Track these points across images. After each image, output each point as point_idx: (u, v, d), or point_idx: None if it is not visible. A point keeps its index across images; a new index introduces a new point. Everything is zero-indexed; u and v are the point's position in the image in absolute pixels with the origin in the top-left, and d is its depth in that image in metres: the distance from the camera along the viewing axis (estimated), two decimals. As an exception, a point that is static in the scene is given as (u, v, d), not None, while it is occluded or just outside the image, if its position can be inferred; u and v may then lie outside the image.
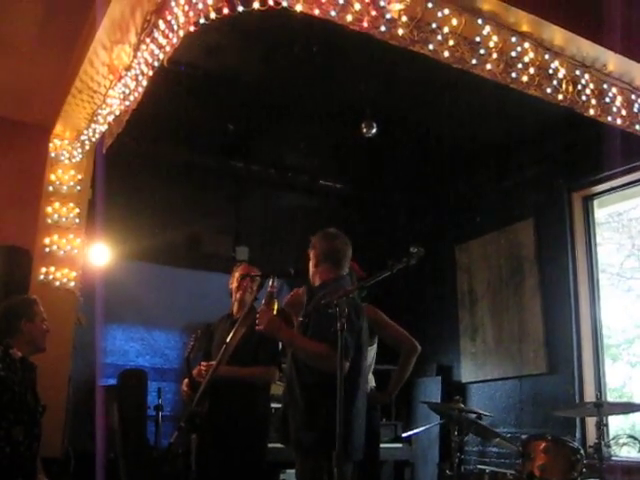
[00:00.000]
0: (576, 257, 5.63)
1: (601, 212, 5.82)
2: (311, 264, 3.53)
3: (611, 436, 5.06)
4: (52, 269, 4.74)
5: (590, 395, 5.16)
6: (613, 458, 4.89)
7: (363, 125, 5.41)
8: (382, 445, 5.43)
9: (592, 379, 5.37)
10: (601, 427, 4.00)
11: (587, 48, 3.77)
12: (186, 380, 4.18)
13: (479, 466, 5.03)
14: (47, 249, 4.76)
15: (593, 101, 3.99)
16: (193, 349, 4.24)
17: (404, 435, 5.72)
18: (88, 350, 5.27)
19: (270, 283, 3.41)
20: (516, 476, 3.88)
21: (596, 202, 5.77)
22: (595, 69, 3.92)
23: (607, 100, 4.02)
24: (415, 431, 5.62)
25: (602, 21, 3.70)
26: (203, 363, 4.17)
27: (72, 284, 4.80)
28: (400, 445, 5.84)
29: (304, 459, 3.20)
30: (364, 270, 3.77)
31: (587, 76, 3.91)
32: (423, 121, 5.72)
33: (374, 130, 5.41)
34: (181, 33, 3.29)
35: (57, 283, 4.74)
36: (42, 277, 4.70)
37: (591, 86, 3.94)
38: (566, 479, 3.68)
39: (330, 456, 3.07)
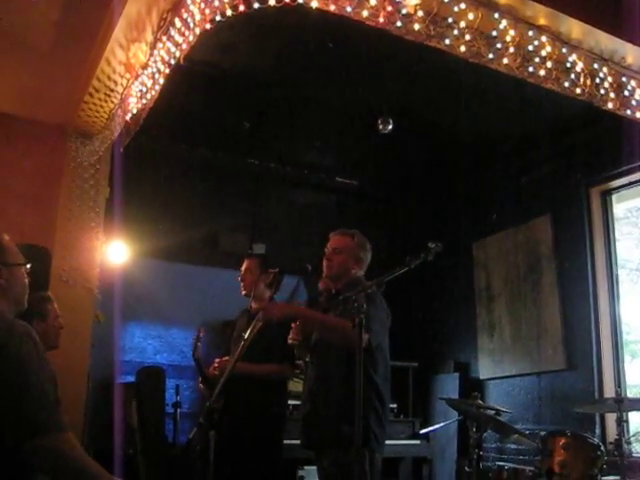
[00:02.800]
0: (595, 253, 5.58)
1: (620, 207, 5.76)
2: (340, 261, 3.52)
3: (631, 432, 5.02)
4: (71, 267, 4.77)
5: (609, 391, 5.12)
6: (634, 455, 4.84)
7: (379, 122, 5.40)
8: (400, 442, 5.46)
9: (612, 375, 5.32)
10: (621, 423, 3.96)
11: (605, 41, 3.73)
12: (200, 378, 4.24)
13: (498, 463, 4.99)
14: (66, 247, 4.79)
15: (612, 94, 3.94)
16: (197, 348, 4.28)
17: (422, 432, 5.70)
18: (106, 348, 5.30)
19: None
20: (535, 473, 3.86)
21: (614, 197, 5.72)
22: (613, 62, 3.88)
23: (626, 93, 3.98)
24: (433, 428, 5.60)
25: (620, 13, 3.66)
26: (216, 359, 4.21)
27: (91, 282, 4.83)
28: (418, 442, 5.83)
29: (344, 453, 3.10)
30: (381, 267, 3.77)
31: (605, 69, 3.87)
32: (439, 117, 5.70)
33: (390, 126, 5.39)
34: (197, 31, 3.30)
35: (76, 281, 4.77)
36: (61, 275, 4.73)
37: (609, 79, 3.89)
38: (586, 476, 3.65)
39: (370, 448, 3.13)
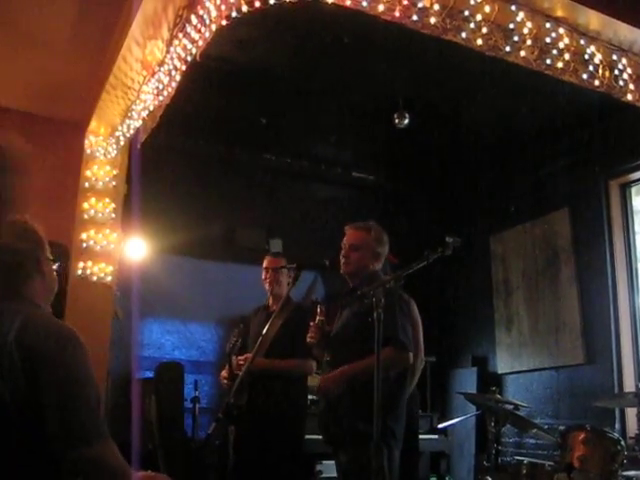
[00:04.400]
0: (613, 246, 5.53)
1: (639, 200, 5.70)
2: (357, 258, 3.51)
3: (652, 427, 4.98)
4: (89, 264, 4.80)
5: (630, 385, 5.08)
6: (654, 449, 4.81)
7: (395, 116, 5.38)
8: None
9: (632, 369, 5.28)
10: (642, 418, 3.93)
11: (624, 31, 3.68)
12: (225, 370, 4.23)
13: (516, 457, 4.98)
14: (84, 244, 4.82)
15: (631, 86, 3.89)
16: (235, 345, 4.25)
17: (440, 426, 5.70)
18: (125, 344, 5.34)
19: (318, 311, 3.44)
20: (554, 467, 3.83)
21: (634, 189, 5.66)
22: (633, 53, 3.83)
23: (646, 85, 3.94)
24: (451, 422, 5.59)
25: (639, 2, 3.62)
26: (240, 357, 4.21)
27: (109, 278, 4.86)
28: (436, 436, 5.82)
29: (361, 450, 3.04)
30: (399, 260, 3.77)
31: (624, 60, 3.82)
32: (456, 111, 5.67)
33: (407, 121, 5.38)
34: (213, 27, 3.30)
35: (94, 278, 4.80)
36: (80, 272, 4.76)
37: (629, 71, 3.84)
38: (606, 471, 3.62)
39: (388, 444, 3.12)
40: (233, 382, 4.03)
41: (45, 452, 1.82)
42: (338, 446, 3.37)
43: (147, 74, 4.08)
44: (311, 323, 3.43)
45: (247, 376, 3.52)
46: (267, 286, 4.43)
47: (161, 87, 3.92)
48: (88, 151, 5.03)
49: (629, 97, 3.94)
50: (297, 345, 4.08)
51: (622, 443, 3.73)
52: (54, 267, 2.23)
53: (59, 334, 1.92)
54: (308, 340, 3.43)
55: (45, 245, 2.19)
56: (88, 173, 4.98)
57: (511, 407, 4.32)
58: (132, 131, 4.66)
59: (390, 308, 3.15)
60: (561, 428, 4.07)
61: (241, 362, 4.12)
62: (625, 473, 3.70)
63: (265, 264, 4.48)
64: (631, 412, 4.80)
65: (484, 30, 3.45)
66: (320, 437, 3.52)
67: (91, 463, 1.84)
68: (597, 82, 3.81)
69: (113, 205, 4.99)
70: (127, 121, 4.61)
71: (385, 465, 3.14)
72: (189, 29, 3.45)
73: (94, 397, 1.89)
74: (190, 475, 5.01)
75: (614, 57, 3.79)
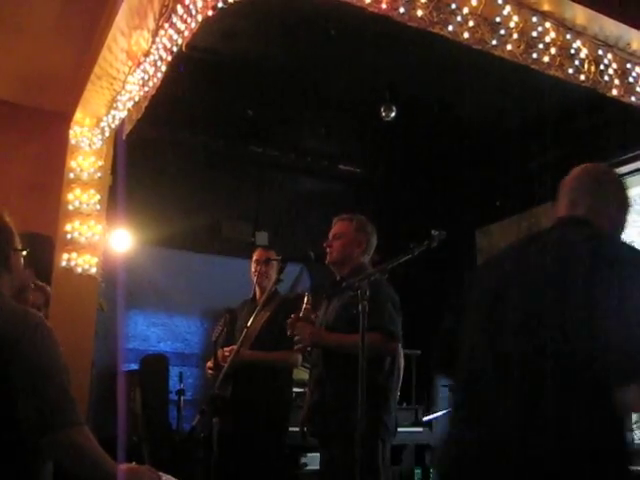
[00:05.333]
0: (599, 240, 5.55)
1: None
2: (338, 246, 3.50)
3: (634, 420, 5.01)
4: (74, 255, 4.77)
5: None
6: (636, 442, 4.84)
7: (382, 109, 5.38)
8: (403, 429, 5.46)
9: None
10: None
11: (610, 27, 3.70)
12: (211, 360, 4.23)
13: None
14: (69, 236, 4.78)
15: (616, 81, 3.91)
16: (221, 333, 4.25)
17: (425, 419, 5.73)
18: (110, 336, 5.31)
19: (305, 300, 3.41)
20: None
21: (620, 183, 5.69)
22: (618, 48, 3.85)
23: (630, 80, 3.94)
24: (436, 415, 5.63)
25: (625, -1, 3.64)
26: (226, 349, 4.21)
27: (94, 270, 4.82)
28: (421, 429, 5.84)
29: (353, 443, 3.09)
30: (382, 254, 3.76)
31: (610, 55, 3.84)
32: (443, 104, 5.67)
33: (393, 114, 5.37)
34: (199, 18, 3.28)
35: (79, 269, 4.77)
36: (64, 263, 4.72)
37: (614, 66, 3.86)
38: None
39: (381, 437, 3.18)
40: (218, 372, 4.04)
41: (19, 437, 1.82)
42: (328, 439, 3.35)
43: (132, 64, 4.05)
44: (292, 315, 3.41)
45: (231, 368, 3.51)
46: (256, 279, 4.42)
47: (147, 78, 3.89)
48: (73, 142, 4.98)
49: (614, 92, 3.95)
50: (282, 337, 4.07)
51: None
52: (23, 255, 2.18)
53: (25, 320, 1.91)
54: (301, 346, 3.39)
55: (14, 237, 2.14)
56: (73, 164, 4.93)
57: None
58: (117, 122, 4.63)
59: (380, 300, 3.20)
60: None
61: (227, 354, 4.11)
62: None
63: (256, 257, 4.46)
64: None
65: (470, 23, 3.45)
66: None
67: (67, 448, 1.84)
68: (583, 77, 3.82)
69: (98, 196, 4.95)
70: (112, 112, 4.58)
71: (378, 458, 3.15)
72: (175, 19, 3.42)
73: (66, 382, 1.89)
74: (175, 467, 5.00)
75: (600, 52, 3.81)
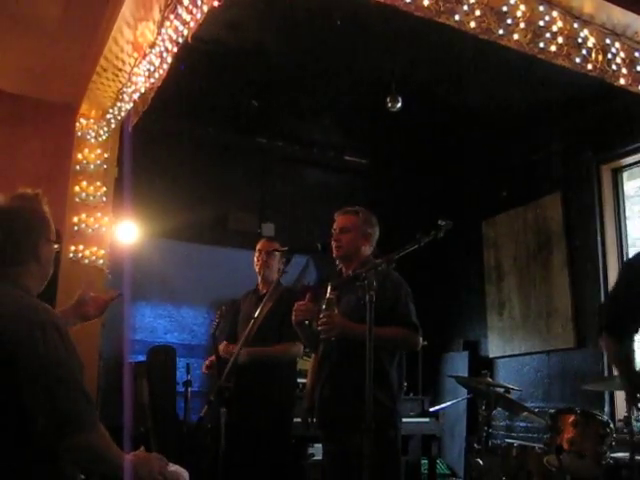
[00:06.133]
0: (605, 231, 5.55)
1: (630, 185, 5.71)
2: (348, 239, 3.45)
3: (641, 410, 5.02)
4: (81, 247, 4.80)
5: (619, 369, 5.12)
6: (643, 432, 4.85)
7: (388, 99, 5.35)
8: (409, 420, 5.47)
9: (621, 353, 5.31)
10: (631, 401, 3.96)
11: (618, 15, 3.68)
12: (209, 360, 4.26)
13: (507, 440, 5.02)
14: (76, 227, 4.81)
15: (624, 70, 3.89)
16: (218, 326, 4.28)
17: (431, 409, 5.72)
18: (117, 327, 5.32)
19: (329, 289, 3.31)
20: (544, 450, 3.87)
21: (625, 174, 5.68)
22: (626, 37, 3.82)
23: (639, 68, 3.92)
24: (442, 405, 5.63)
25: (633, -13, 3.61)
26: (225, 343, 4.26)
27: (101, 262, 4.85)
28: (427, 420, 5.84)
29: (367, 436, 3.04)
30: (390, 245, 3.75)
31: (618, 44, 3.81)
32: (449, 95, 5.65)
33: (399, 104, 5.35)
34: (205, 9, 3.28)
35: (86, 261, 4.80)
36: (71, 255, 4.75)
37: (622, 55, 3.84)
38: (595, 452, 3.66)
39: (394, 429, 3.19)
40: (220, 366, 4.05)
41: (36, 443, 1.77)
42: (339, 432, 3.28)
43: (138, 56, 4.05)
44: (298, 302, 3.36)
45: (236, 361, 3.51)
46: (258, 269, 4.44)
47: (152, 69, 3.89)
48: (79, 134, 5.00)
49: (622, 81, 3.93)
50: (285, 329, 4.07)
51: (611, 425, 3.77)
52: (55, 248, 2.09)
53: (32, 318, 1.83)
54: (328, 335, 3.20)
55: (48, 227, 2.06)
56: (79, 156, 4.96)
57: (502, 390, 4.35)
58: (123, 114, 4.63)
59: (402, 294, 3.26)
60: (551, 411, 4.08)
61: (229, 349, 4.17)
62: (614, 455, 3.74)
63: (258, 247, 4.48)
64: (620, 395, 4.85)
65: (477, 13, 3.44)
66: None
67: (86, 451, 1.80)
68: (590, 66, 3.80)
69: (104, 188, 4.97)
70: (118, 104, 4.59)
71: (391, 452, 3.15)
72: (180, 10, 3.42)
73: (80, 380, 1.83)
74: (182, 458, 5.02)
75: (607, 41, 3.79)
